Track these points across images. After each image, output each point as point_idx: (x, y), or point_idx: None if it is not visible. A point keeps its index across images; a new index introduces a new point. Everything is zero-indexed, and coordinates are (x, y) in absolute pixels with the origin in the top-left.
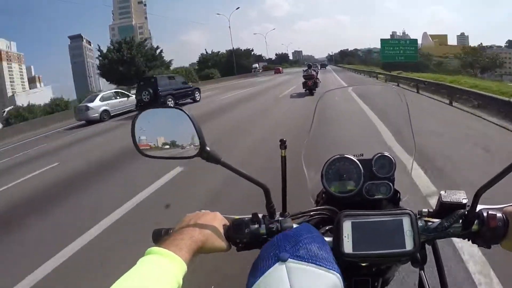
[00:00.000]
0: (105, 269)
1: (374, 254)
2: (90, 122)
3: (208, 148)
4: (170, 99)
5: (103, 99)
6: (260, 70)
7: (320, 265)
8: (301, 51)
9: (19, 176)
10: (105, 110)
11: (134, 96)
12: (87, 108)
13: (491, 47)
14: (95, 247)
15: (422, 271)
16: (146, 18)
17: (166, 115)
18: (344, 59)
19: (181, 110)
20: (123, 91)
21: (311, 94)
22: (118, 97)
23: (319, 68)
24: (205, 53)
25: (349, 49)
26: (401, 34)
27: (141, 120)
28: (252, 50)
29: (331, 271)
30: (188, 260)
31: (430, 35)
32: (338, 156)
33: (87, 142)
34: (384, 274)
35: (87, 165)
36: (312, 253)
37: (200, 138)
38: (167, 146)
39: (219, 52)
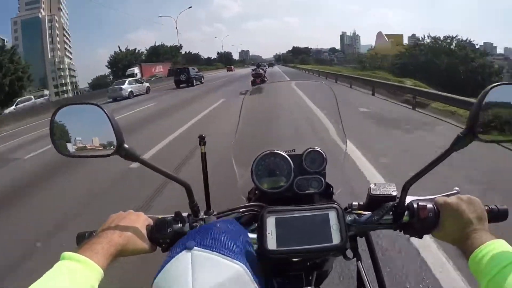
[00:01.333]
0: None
1: (299, 250)
2: (119, 99)
3: (126, 146)
4: (194, 81)
5: (129, 83)
6: (138, 76)
7: (224, 255)
8: (248, 51)
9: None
10: (131, 91)
11: (146, 83)
12: (121, 88)
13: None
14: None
15: (360, 262)
16: (60, 9)
17: (85, 112)
18: (298, 57)
19: (98, 106)
20: (138, 79)
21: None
22: (136, 83)
23: (267, 67)
24: (118, 51)
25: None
26: (351, 35)
27: (60, 117)
28: (181, 46)
29: (235, 261)
30: (106, 264)
31: (386, 35)
32: (268, 152)
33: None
34: (320, 267)
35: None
36: (219, 242)
37: (117, 135)
38: (86, 144)
39: (136, 49)
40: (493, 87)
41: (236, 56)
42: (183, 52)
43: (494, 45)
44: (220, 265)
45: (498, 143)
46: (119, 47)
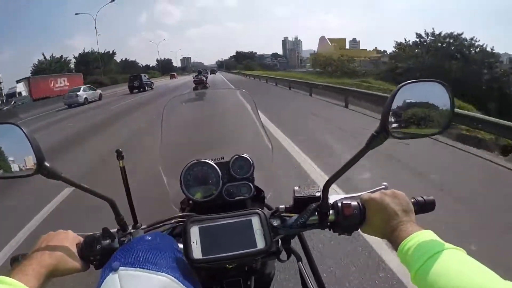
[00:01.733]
0: None
1: (225, 257)
2: (74, 105)
3: (47, 164)
4: (146, 86)
5: (84, 90)
6: (24, 95)
7: (149, 269)
8: (190, 57)
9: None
10: (86, 97)
11: (98, 90)
12: (77, 95)
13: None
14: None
15: (300, 262)
16: None
17: (2, 131)
18: (242, 63)
19: (16, 125)
20: (91, 86)
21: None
22: (90, 90)
23: (209, 74)
24: (42, 59)
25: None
26: (293, 39)
27: None
28: (114, 53)
29: (160, 273)
30: (37, 286)
31: (329, 39)
32: (195, 161)
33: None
34: (261, 271)
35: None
36: (142, 258)
37: (37, 154)
38: (6, 163)
39: (62, 57)
40: (403, 85)
41: (177, 63)
42: (119, 60)
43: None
44: (147, 280)
45: (411, 138)
46: (43, 54)
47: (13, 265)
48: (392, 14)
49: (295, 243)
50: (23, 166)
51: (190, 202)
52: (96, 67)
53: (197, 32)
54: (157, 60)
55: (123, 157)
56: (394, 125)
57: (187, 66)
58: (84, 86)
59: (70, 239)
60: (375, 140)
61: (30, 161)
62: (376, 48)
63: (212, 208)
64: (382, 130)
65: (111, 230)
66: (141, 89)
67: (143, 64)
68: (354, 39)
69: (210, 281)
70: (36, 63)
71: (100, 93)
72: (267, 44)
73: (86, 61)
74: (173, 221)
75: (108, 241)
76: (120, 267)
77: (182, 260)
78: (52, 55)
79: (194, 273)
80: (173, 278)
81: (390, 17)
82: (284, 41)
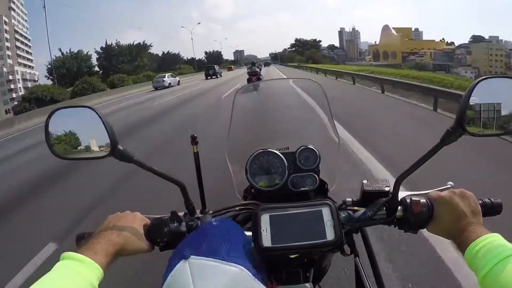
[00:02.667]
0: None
1: (294, 246)
2: (161, 88)
3: (120, 147)
4: (217, 74)
5: (167, 77)
6: None
7: (220, 259)
8: (243, 50)
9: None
10: (169, 82)
11: (177, 77)
12: (163, 80)
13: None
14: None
15: (358, 258)
16: (11, 9)
17: (79, 115)
18: (303, 53)
19: (92, 109)
20: (172, 74)
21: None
22: (172, 77)
23: (263, 66)
24: (60, 54)
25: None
26: (351, 30)
27: (55, 120)
28: (149, 45)
29: (232, 264)
30: (105, 264)
31: (393, 28)
32: (261, 150)
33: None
34: (318, 264)
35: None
36: (213, 248)
37: (111, 137)
38: (82, 146)
39: (79, 51)
40: (480, 81)
41: (229, 56)
42: (160, 53)
43: (500, 38)
44: (219, 270)
45: (487, 136)
46: (60, 50)
47: (79, 242)
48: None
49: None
50: (98, 149)
51: (253, 190)
52: (122, 62)
53: (248, 24)
54: (206, 53)
55: (197, 142)
56: (470, 121)
57: (238, 59)
58: (168, 74)
59: (138, 220)
60: (450, 136)
61: (104, 144)
62: (443, 39)
63: (275, 198)
64: (458, 126)
65: (179, 214)
66: (214, 76)
67: (188, 57)
68: (416, 29)
69: (269, 270)
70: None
71: (179, 80)
72: (322, 36)
73: (110, 56)
74: (239, 208)
75: (175, 224)
76: (191, 256)
77: (251, 249)
78: (69, 50)
79: (262, 264)
80: (244, 269)
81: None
82: (341, 32)
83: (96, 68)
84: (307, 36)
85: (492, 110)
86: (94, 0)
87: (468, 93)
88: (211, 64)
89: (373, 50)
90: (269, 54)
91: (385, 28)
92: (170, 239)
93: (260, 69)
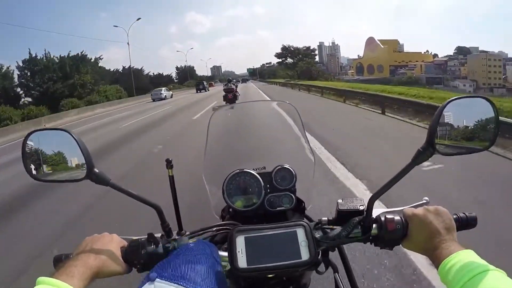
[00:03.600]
0: None
1: (269, 267)
2: (158, 100)
3: (96, 170)
4: (206, 89)
5: (163, 91)
6: None
7: (183, 285)
8: (220, 66)
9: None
10: (165, 95)
11: (170, 91)
12: (160, 93)
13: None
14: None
15: (337, 274)
16: None
17: (55, 137)
18: (297, 65)
19: (68, 132)
20: (167, 88)
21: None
22: (167, 91)
23: (240, 82)
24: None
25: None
26: (331, 44)
27: (31, 142)
28: (100, 58)
29: None
30: (82, 287)
31: (379, 40)
32: (238, 170)
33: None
34: (297, 282)
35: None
36: (179, 273)
37: (87, 160)
38: (58, 168)
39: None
40: (450, 101)
41: (207, 72)
42: (120, 68)
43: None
44: None
45: (457, 155)
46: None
47: (57, 265)
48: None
49: (332, 255)
50: (74, 171)
51: (230, 210)
52: (50, 79)
53: (227, 41)
54: (177, 68)
55: (172, 166)
56: (440, 140)
57: (216, 75)
58: (164, 88)
59: (115, 242)
60: (421, 156)
61: (79, 167)
62: (427, 51)
63: (253, 218)
64: (429, 146)
65: (156, 235)
66: (203, 90)
67: (165, 74)
68: (397, 42)
69: None
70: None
71: (172, 93)
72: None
73: (34, 71)
74: (216, 229)
75: (152, 246)
76: (157, 279)
77: (220, 274)
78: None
79: (230, 286)
80: None
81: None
82: (320, 47)
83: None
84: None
85: (461, 130)
86: None
87: (438, 113)
88: (184, 80)
89: (356, 64)
90: (247, 69)
91: (370, 41)
92: (147, 261)
93: (237, 86)
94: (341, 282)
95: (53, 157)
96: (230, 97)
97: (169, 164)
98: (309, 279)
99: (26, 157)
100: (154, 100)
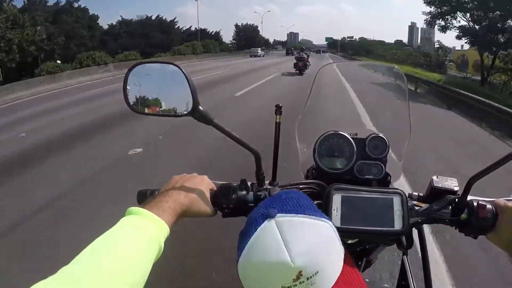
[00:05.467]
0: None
1: (362, 230)
2: (254, 56)
3: (201, 108)
4: (295, 52)
5: (260, 50)
6: None
7: (310, 214)
8: (298, 33)
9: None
10: (261, 53)
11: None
12: (257, 52)
13: None
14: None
15: (405, 256)
16: None
17: (160, 71)
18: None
19: (176, 66)
20: (262, 48)
21: (301, 74)
22: (261, 51)
23: (314, 52)
24: None
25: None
26: (424, 27)
27: (134, 75)
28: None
29: (321, 219)
30: (171, 223)
31: None
32: (332, 132)
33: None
34: (369, 254)
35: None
36: (299, 206)
37: (193, 97)
38: (161, 102)
39: None
40: None
41: (280, 37)
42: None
43: None
44: (308, 225)
45: None
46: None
47: (141, 199)
48: None
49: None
50: (178, 106)
51: (314, 171)
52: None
53: (308, 9)
54: (236, 26)
55: (281, 112)
56: None
57: (292, 42)
58: (259, 48)
59: (205, 183)
60: None
61: (185, 103)
62: None
63: (338, 181)
64: None
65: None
66: (291, 54)
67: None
68: None
69: None
70: None
71: (264, 53)
72: (387, 30)
73: None
74: (305, 186)
75: (244, 192)
76: (278, 214)
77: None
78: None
79: None
80: (331, 223)
81: None
82: (412, 28)
83: None
84: (369, 29)
85: None
86: None
87: None
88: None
89: (458, 57)
90: (326, 38)
91: None
92: (236, 206)
93: (308, 56)
94: (409, 265)
95: (157, 91)
96: (301, 65)
97: (278, 110)
98: (377, 256)
99: (128, 89)
100: (251, 56)
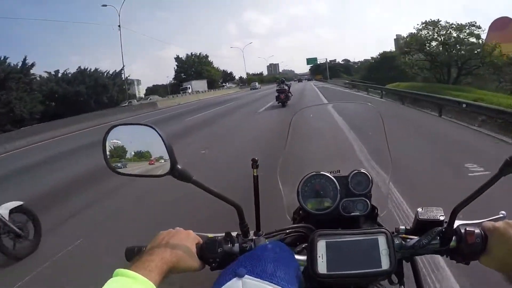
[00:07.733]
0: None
1: (349, 274)
2: (254, 89)
3: (179, 166)
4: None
5: (257, 84)
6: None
7: (275, 284)
8: (278, 64)
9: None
10: (258, 86)
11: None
12: (256, 85)
13: None
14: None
15: (402, 287)
16: None
17: (137, 132)
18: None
19: (152, 127)
20: (258, 83)
21: (283, 106)
22: (258, 84)
23: (297, 82)
24: None
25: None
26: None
27: (112, 136)
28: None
29: None
30: (158, 282)
31: None
32: (314, 173)
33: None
34: None
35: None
36: (269, 271)
37: (170, 156)
38: (139, 164)
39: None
40: None
41: (261, 70)
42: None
43: None
44: None
45: None
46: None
47: (129, 256)
48: None
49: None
50: (159, 166)
51: (300, 212)
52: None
53: (287, 40)
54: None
55: (258, 166)
56: None
57: (272, 73)
58: (256, 82)
59: (191, 239)
60: (509, 166)
61: (161, 162)
62: None
63: (325, 222)
64: None
65: (232, 234)
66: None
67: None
68: None
69: None
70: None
71: (260, 86)
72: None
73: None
74: (290, 230)
75: (229, 245)
76: (246, 275)
77: (299, 276)
78: None
79: None
80: None
81: None
82: (397, 40)
83: None
84: (348, 51)
85: None
86: None
87: None
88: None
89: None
90: (307, 59)
91: (503, 22)
92: (223, 259)
93: (289, 87)
94: None
95: (135, 152)
96: (283, 97)
97: (255, 163)
98: None
99: (107, 151)
100: (251, 89)
